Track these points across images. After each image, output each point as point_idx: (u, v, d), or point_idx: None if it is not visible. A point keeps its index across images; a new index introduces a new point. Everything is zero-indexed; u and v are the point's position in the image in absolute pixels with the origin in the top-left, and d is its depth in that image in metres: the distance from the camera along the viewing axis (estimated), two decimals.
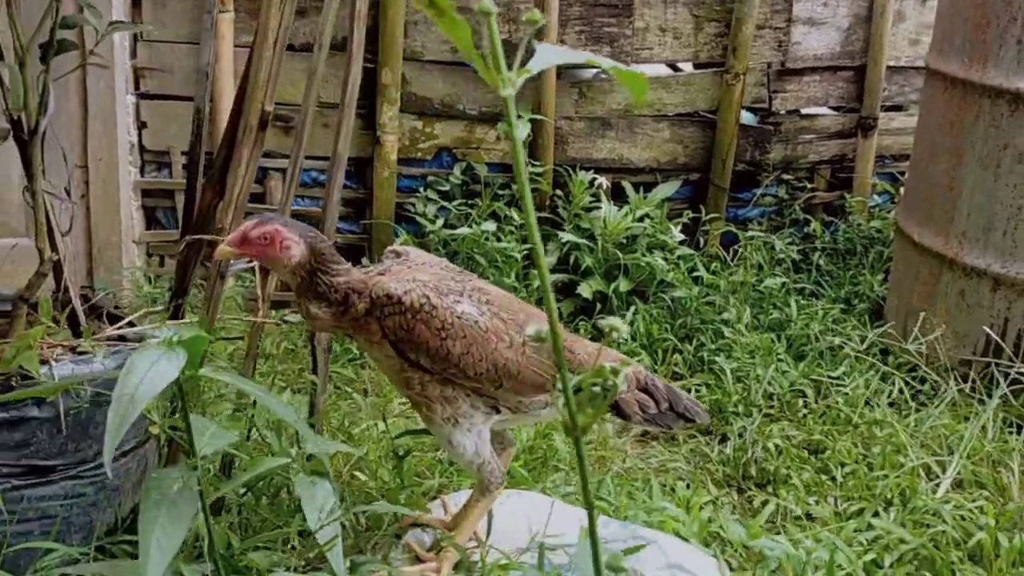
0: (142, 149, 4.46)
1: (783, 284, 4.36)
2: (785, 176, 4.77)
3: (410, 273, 2.18)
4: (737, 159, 4.66)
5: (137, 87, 4.37)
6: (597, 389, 0.97)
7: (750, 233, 4.61)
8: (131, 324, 2.50)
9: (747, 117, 4.72)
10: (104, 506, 2.25)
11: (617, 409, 2.39)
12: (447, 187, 4.51)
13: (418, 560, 2.35)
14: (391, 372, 2.24)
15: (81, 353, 2.25)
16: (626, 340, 3.97)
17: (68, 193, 2.40)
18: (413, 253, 2.36)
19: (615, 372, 0.97)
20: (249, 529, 2.20)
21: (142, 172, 4.49)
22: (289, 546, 2.24)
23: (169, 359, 1.06)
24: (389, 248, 2.45)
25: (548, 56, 0.99)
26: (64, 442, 2.15)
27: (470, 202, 4.45)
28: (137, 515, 2.40)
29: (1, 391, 2.09)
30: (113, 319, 2.53)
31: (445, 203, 4.43)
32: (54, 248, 2.38)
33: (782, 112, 4.77)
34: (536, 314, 2.36)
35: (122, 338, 2.45)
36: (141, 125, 4.42)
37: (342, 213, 4.45)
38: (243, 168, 2.54)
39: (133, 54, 4.32)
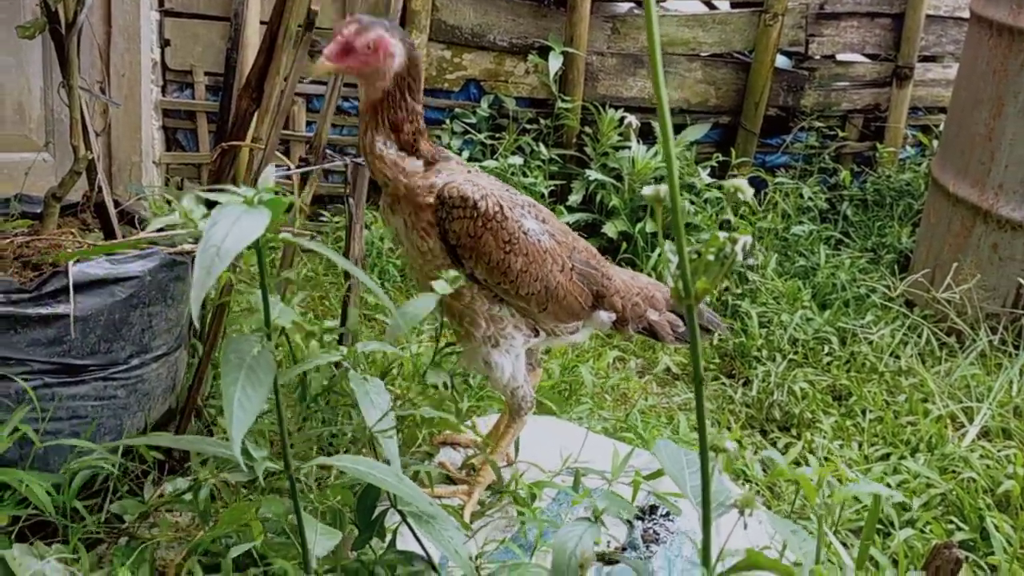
0: (164, 68, 4.37)
1: (811, 232, 4.30)
2: (817, 123, 4.69)
3: (471, 176, 2.06)
4: (769, 103, 4.58)
5: (161, 4, 4.27)
6: (711, 258, 0.93)
7: (778, 179, 4.54)
8: (161, 229, 2.44)
9: (782, 61, 4.63)
10: (135, 409, 2.21)
11: (651, 331, 2.36)
12: (473, 120, 4.43)
13: (449, 480, 2.33)
14: (433, 276, 2.06)
15: (113, 254, 2.20)
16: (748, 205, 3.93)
17: (103, 91, 2.33)
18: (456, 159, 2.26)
19: (733, 240, 0.92)
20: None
21: (164, 91, 4.41)
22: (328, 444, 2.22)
23: (252, 216, 1.00)
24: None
25: None
26: (96, 342, 2.11)
27: (496, 136, 4.37)
28: (167, 421, 2.38)
29: (35, 287, 2.05)
30: (144, 225, 2.48)
31: (471, 135, 4.36)
32: (88, 147, 2.32)
33: (818, 57, 4.68)
34: (583, 242, 2.30)
35: (152, 243, 2.39)
36: (164, 43, 4.33)
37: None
38: (282, 74, 2.47)
39: None
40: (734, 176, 4.56)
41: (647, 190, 0.99)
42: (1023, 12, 3.59)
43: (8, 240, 2.23)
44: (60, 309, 2.04)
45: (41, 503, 1.85)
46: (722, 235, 1.00)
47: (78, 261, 2.08)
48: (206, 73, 4.36)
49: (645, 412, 3.20)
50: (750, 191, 1.01)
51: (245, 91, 2.54)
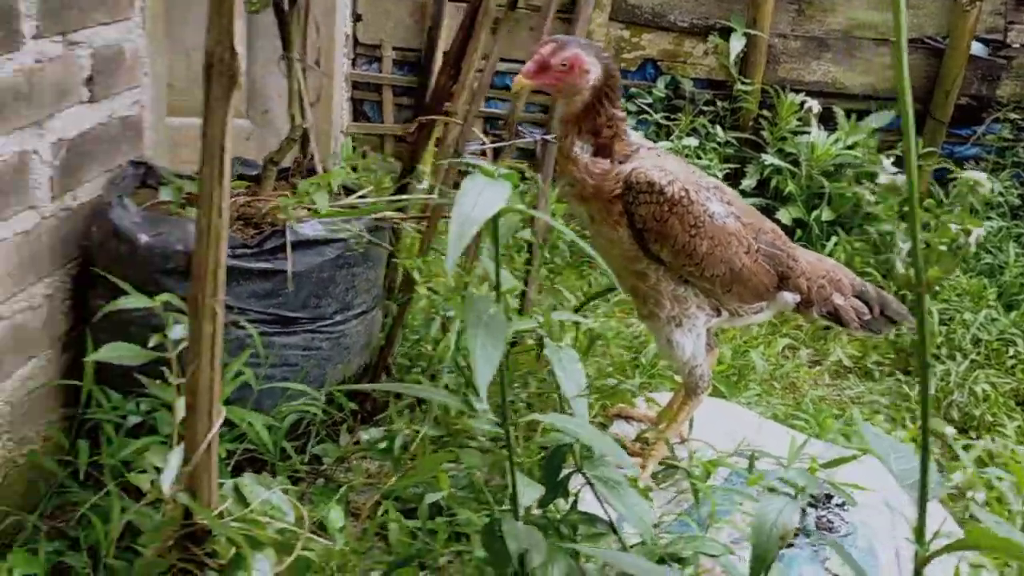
0: (355, 42, 4.59)
1: (1000, 228, 4.11)
2: (1012, 115, 4.46)
3: (660, 161, 2.12)
4: (961, 92, 4.38)
5: None
6: (943, 248, 0.95)
7: (966, 172, 4.34)
8: (364, 196, 2.60)
9: (977, 48, 4.42)
10: (336, 361, 2.38)
11: (836, 317, 2.35)
12: (649, 99, 4.45)
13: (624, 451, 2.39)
14: (619, 259, 2.17)
15: (322, 216, 2.36)
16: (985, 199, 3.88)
17: (318, 64, 2.49)
18: (644, 140, 2.32)
19: (967, 232, 0.94)
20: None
21: (353, 64, 4.63)
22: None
23: (494, 188, 1.10)
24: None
25: None
26: (307, 297, 2.28)
27: (672, 116, 4.37)
28: (362, 375, 2.54)
29: (256, 244, 2.23)
30: (348, 191, 2.64)
31: (647, 115, 4.38)
32: (304, 116, 2.49)
33: (1017, 45, 4.44)
34: (768, 224, 2.31)
35: (353, 207, 2.55)
36: (357, 18, 4.54)
37: (537, 119, 4.47)
38: (479, 52, 2.57)
39: None
40: (919, 166, 4.39)
41: (883, 178, 1.01)
42: None
43: (232, 199, 2.43)
44: (278, 265, 2.22)
45: (260, 440, 2.03)
46: (954, 227, 1.01)
47: (297, 222, 2.25)
48: (394, 48, 4.56)
49: (815, 402, 3.17)
50: (988, 185, 1.01)
51: (445, 67, 2.66)
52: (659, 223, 2.05)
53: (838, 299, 2.34)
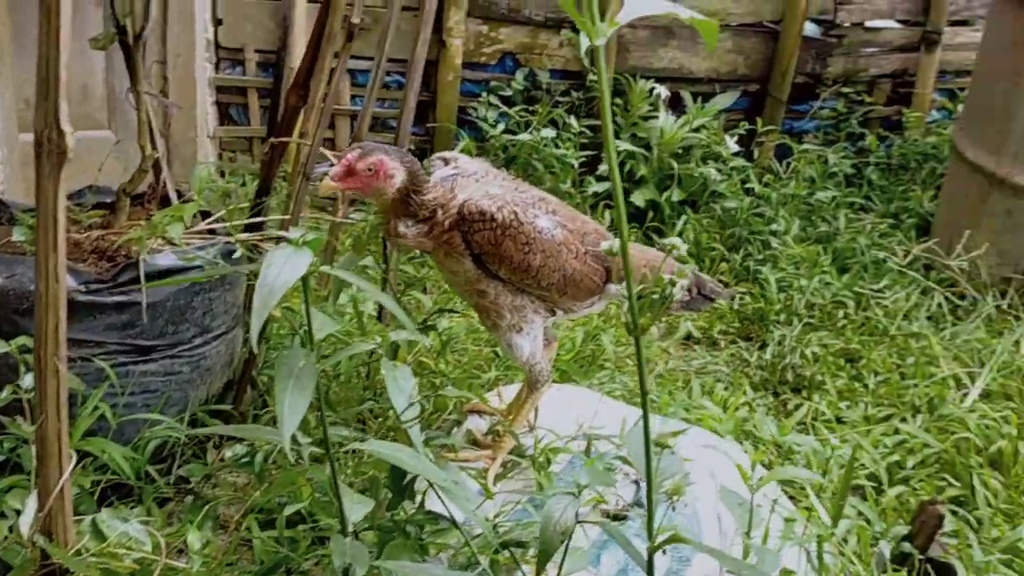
0: (217, 46, 4.63)
1: (833, 198, 4.46)
2: (844, 89, 4.81)
3: (482, 187, 2.31)
4: (797, 71, 4.71)
5: None
6: (656, 296, 1.16)
7: (804, 146, 4.68)
8: (220, 219, 2.72)
9: (810, 28, 4.73)
10: (198, 383, 2.52)
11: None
12: (508, 92, 4.63)
13: (476, 444, 2.61)
14: (463, 283, 2.38)
15: (177, 244, 2.48)
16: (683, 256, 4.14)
17: (165, 95, 2.59)
18: (462, 160, 2.48)
19: (672, 283, 1.15)
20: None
21: (217, 68, 4.67)
22: (357, 422, 2.51)
23: (299, 256, 1.28)
24: (436, 155, 2.55)
25: (636, 7, 1.15)
26: (165, 325, 2.40)
27: (530, 108, 4.57)
28: (226, 392, 2.69)
29: (111, 278, 2.35)
30: (204, 214, 2.76)
31: (506, 108, 4.56)
32: (154, 146, 2.59)
33: (846, 24, 4.77)
34: (591, 224, 2.54)
35: (212, 231, 2.68)
36: (217, 22, 4.58)
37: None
38: (327, 74, 2.70)
39: None
40: (761, 143, 4.71)
41: (604, 245, 1.22)
42: None
43: (85, 233, 2.53)
44: (134, 297, 2.34)
45: (120, 468, 2.17)
46: (667, 276, 1.22)
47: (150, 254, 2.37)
48: (256, 51, 4.61)
49: (663, 376, 3.44)
50: (683, 245, 1.23)
51: (293, 89, 2.78)
52: (495, 247, 2.25)
53: None
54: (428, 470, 1.56)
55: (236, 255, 2.58)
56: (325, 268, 1.42)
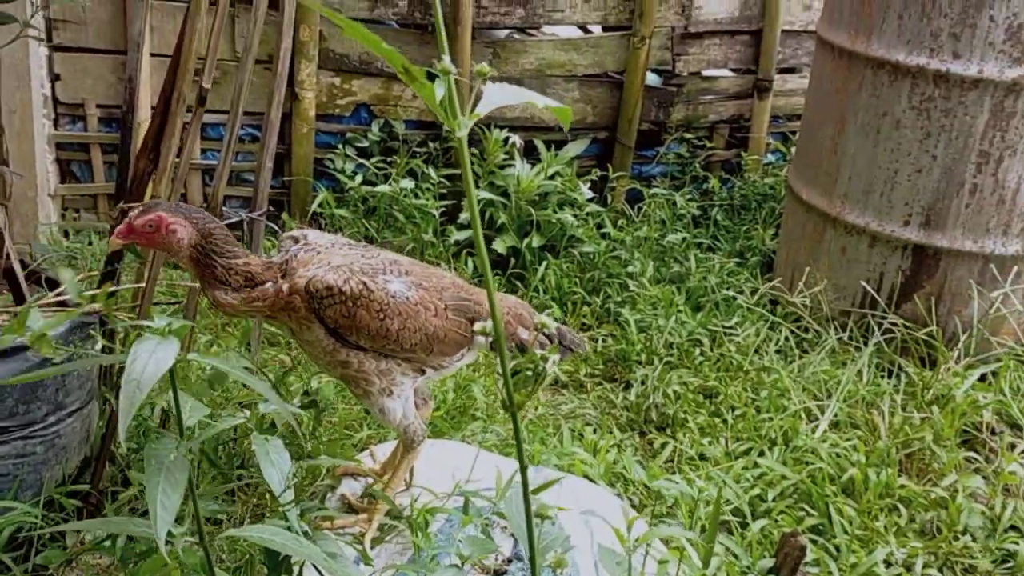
0: (56, 102, 4.44)
1: (683, 239, 4.65)
2: (687, 135, 5.05)
3: (324, 259, 2.28)
4: (642, 119, 4.91)
5: (50, 39, 4.33)
6: (530, 372, 1.19)
7: (654, 190, 4.88)
8: (61, 293, 2.60)
9: (652, 78, 4.96)
10: (53, 463, 2.38)
11: (522, 349, 2.61)
12: (365, 144, 4.63)
13: (351, 509, 2.57)
14: (322, 354, 2.33)
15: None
16: (547, 307, 4.21)
17: (6, 163, 2.47)
18: (312, 235, 2.45)
19: (544, 359, 1.18)
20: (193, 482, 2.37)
21: (56, 125, 4.48)
22: (232, 497, 2.43)
23: (165, 347, 1.23)
24: (287, 234, 2.52)
25: (495, 98, 1.20)
26: (15, 405, 2.27)
27: (388, 159, 4.58)
28: (84, 469, 2.55)
29: None
30: (52, 284, 2.63)
31: (363, 160, 4.56)
32: None
33: (684, 74, 5.02)
34: (448, 279, 2.55)
35: (62, 303, 2.55)
36: (54, 78, 4.40)
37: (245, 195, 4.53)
38: (177, 138, 2.64)
39: (45, 5, 4.26)
40: (613, 188, 4.88)
41: (477, 326, 1.24)
42: (859, 38, 3.98)
43: None
44: None
45: None
46: (538, 351, 1.25)
47: None
48: (98, 105, 4.45)
49: (534, 422, 3.49)
50: (553, 324, 1.27)
51: (142, 153, 2.71)
52: (349, 319, 2.23)
53: (523, 333, 2.62)
54: (304, 550, 1.53)
55: (89, 326, 2.47)
56: (193, 357, 1.37)
